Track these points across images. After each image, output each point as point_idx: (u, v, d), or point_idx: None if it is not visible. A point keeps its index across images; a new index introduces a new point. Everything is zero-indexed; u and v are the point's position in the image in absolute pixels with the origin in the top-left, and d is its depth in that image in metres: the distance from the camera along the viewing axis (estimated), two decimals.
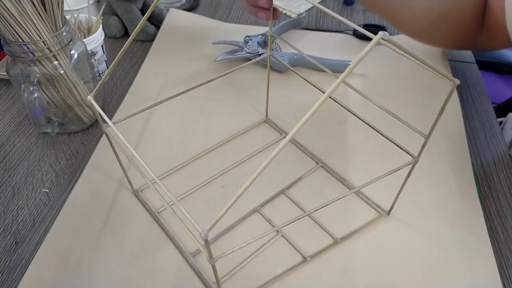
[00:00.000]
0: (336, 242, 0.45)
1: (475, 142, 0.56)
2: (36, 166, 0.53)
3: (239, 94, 0.62)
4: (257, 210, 0.48)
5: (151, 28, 0.74)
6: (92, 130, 0.57)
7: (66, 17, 0.51)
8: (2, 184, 0.51)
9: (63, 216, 0.47)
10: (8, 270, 0.43)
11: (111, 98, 0.63)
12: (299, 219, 0.33)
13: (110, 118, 0.58)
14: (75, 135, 0.57)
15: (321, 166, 0.52)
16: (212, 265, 0.30)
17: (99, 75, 0.63)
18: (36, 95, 0.48)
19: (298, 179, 0.51)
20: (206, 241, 0.28)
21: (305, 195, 0.49)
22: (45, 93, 0.51)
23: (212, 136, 0.56)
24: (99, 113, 0.36)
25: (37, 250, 0.44)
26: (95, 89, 0.37)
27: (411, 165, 0.40)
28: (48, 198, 0.50)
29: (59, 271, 0.43)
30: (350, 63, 0.65)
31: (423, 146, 0.38)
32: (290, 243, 0.45)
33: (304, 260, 0.43)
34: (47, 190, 0.50)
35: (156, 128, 0.57)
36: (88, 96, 0.36)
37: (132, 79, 0.65)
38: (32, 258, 0.43)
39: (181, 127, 0.57)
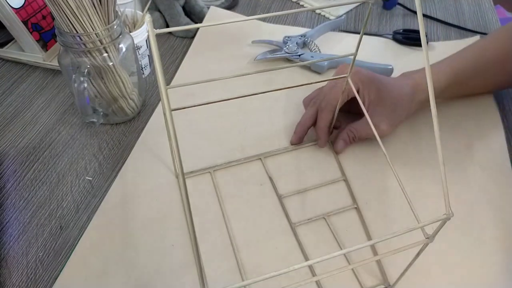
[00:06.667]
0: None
1: None
2: (80, 155, 0.55)
3: (278, 93, 0.62)
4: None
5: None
6: (134, 122, 0.59)
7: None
8: (48, 170, 0.53)
9: (106, 203, 0.49)
10: (53, 253, 0.45)
11: (152, 92, 0.64)
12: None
13: (152, 112, 0.60)
14: (117, 126, 0.58)
15: (355, 207, 0.49)
16: None
17: (142, 69, 0.65)
18: (85, 85, 0.49)
19: (328, 213, 0.48)
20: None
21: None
22: (92, 84, 0.53)
23: (250, 134, 0.56)
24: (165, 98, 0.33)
25: (81, 236, 0.46)
26: None
27: (422, 245, 0.34)
28: (92, 186, 0.51)
29: (103, 257, 0.44)
30: (391, 67, 0.65)
31: (439, 226, 0.32)
32: None
33: None
34: (91, 178, 0.52)
35: (194, 125, 0.58)
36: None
37: (172, 74, 0.66)
38: (76, 243, 0.45)
39: (219, 125, 0.58)
